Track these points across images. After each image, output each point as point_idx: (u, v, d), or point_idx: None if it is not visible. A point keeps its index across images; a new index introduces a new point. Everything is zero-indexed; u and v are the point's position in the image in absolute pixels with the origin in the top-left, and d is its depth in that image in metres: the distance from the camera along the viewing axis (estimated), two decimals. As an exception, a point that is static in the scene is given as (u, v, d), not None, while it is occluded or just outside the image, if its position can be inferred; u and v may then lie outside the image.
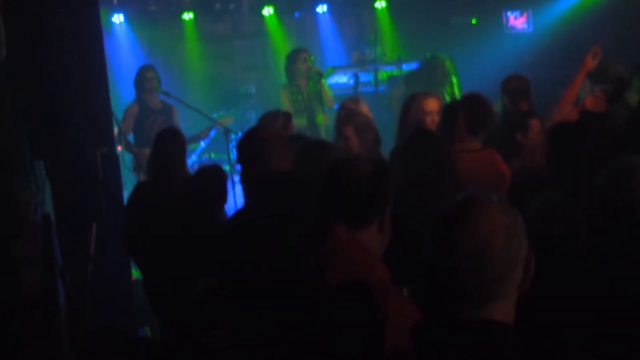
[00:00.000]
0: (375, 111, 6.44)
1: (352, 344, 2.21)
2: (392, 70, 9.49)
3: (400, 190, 3.52)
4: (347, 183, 2.45)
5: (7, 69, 4.03)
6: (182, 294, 3.45)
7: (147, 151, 7.48)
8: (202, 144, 8.84)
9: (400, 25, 10.72)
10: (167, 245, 4.34)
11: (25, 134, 4.38)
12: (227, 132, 7.64)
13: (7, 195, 3.26)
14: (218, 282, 3.26)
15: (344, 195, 2.44)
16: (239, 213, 3.77)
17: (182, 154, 4.97)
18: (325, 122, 7.67)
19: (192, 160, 8.29)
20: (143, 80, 7.64)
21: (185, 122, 8.25)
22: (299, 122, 7.65)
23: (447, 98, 7.28)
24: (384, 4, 10.78)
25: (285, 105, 7.75)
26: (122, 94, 8.63)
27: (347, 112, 5.38)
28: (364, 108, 5.70)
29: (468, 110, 4.52)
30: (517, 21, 10.10)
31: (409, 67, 9.14)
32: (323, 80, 8.01)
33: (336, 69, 9.92)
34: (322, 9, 10.88)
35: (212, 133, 8.25)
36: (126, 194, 5.86)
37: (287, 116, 5.32)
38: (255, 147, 3.72)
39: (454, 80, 7.90)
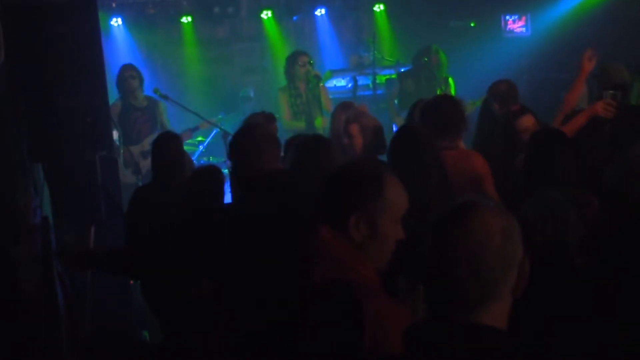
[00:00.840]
0: (374, 115, 6.44)
1: (331, 343, 2.21)
2: (391, 73, 9.50)
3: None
4: (334, 184, 2.46)
5: (5, 72, 4.03)
6: (179, 296, 3.44)
7: (132, 148, 7.53)
8: (201, 147, 8.86)
9: (399, 29, 10.73)
10: (167, 246, 4.34)
11: (24, 137, 4.38)
12: (225, 135, 7.64)
13: (6, 198, 3.26)
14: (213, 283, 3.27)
15: (327, 195, 2.46)
16: (228, 208, 3.80)
17: (181, 156, 4.98)
18: (323, 126, 7.67)
19: (192, 163, 8.29)
20: (122, 80, 7.79)
21: (184, 124, 8.27)
22: (297, 125, 7.67)
23: None
24: (382, 7, 10.80)
25: (284, 108, 7.76)
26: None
27: (356, 112, 5.41)
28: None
29: (443, 111, 4.58)
30: (516, 25, 10.12)
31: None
32: (322, 84, 8.01)
33: (334, 73, 9.92)
34: (320, 12, 10.90)
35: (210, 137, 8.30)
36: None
37: (269, 118, 5.36)
38: (247, 144, 3.74)
39: (451, 81, 7.91)
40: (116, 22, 9.94)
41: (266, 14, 10.64)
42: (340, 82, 9.80)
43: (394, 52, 10.41)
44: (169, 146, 5.02)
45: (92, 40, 4.74)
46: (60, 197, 5.01)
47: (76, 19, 4.62)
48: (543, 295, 2.70)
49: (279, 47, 10.60)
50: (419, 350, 1.73)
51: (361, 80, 9.29)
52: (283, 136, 5.17)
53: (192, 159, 8.50)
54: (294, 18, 11.06)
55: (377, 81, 9.24)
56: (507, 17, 10.10)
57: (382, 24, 10.86)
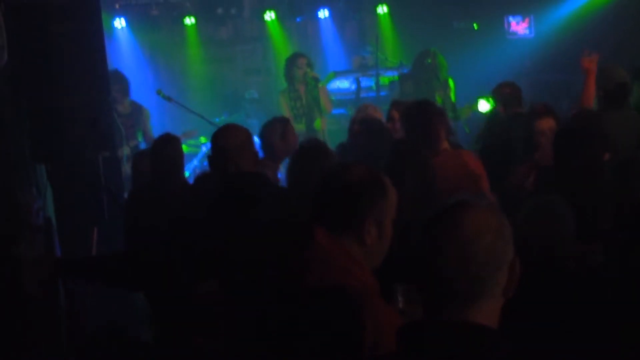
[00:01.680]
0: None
1: (329, 348, 2.21)
2: (394, 75, 9.48)
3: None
4: (329, 187, 2.47)
5: (9, 73, 4.04)
6: (180, 295, 3.45)
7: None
8: (204, 148, 8.84)
9: (402, 30, 10.73)
10: (167, 246, 4.35)
11: (27, 137, 4.39)
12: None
13: (8, 197, 3.27)
14: (216, 284, 3.27)
15: (323, 198, 2.46)
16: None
17: (179, 159, 4.99)
18: (323, 127, 7.67)
19: (194, 165, 8.29)
20: None
21: (182, 125, 8.27)
22: (297, 128, 7.67)
23: (440, 101, 7.30)
24: (385, 9, 10.78)
25: (284, 110, 7.76)
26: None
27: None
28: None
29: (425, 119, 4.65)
30: (519, 26, 10.10)
31: (410, 72, 9.15)
32: (321, 85, 8.01)
33: (338, 74, 9.91)
34: (323, 13, 10.89)
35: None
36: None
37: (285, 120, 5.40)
38: (228, 146, 3.79)
39: (451, 84, 7.90)
40: (120, 23, 9.94)
41: (269, 15, 10.64)
42: (343, 83, 9.79)
43: (397, 54, 10.40)
44: (168, 147, 5.01)
45: (95, 40, 4.76)
46: (63, 197, 5.03)
47: (79, 19, 4.63)
48: (534, 296, 2.70)
49: (282, 49, 10.60)
50: (411, 348, 1.73)
51: (364, 82, 9.29)
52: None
53: (196, 159, 8.54)
54: (297, 19, 11.07)
55: (380, 82, 9.23)
56: (511, 19, 10.09)
57: (385, 26, 10.86)
